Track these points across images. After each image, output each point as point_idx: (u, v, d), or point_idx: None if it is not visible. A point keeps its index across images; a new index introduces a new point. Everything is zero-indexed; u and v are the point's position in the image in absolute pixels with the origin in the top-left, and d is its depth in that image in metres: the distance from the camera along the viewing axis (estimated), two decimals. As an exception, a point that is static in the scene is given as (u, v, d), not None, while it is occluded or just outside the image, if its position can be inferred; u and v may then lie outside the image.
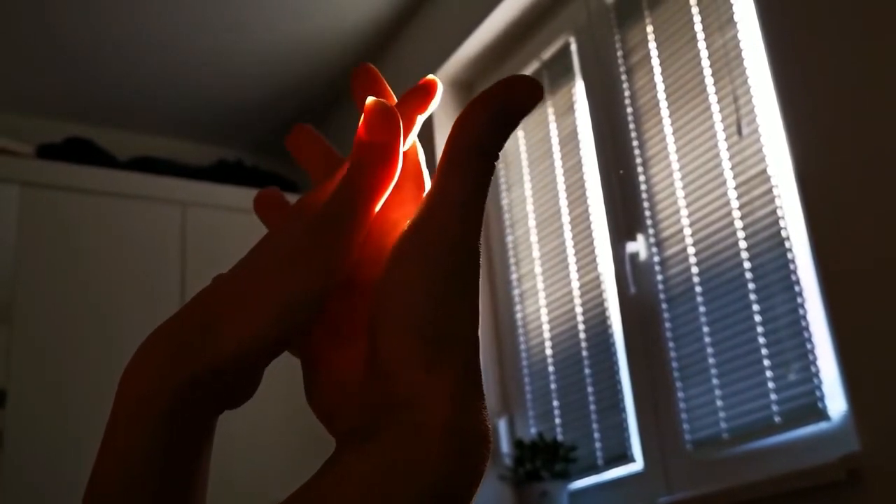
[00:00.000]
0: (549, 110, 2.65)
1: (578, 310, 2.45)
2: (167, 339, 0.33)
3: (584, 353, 2.42)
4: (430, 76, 0.37)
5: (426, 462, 0.30)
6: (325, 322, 0.35)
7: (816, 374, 1.81)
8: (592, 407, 2.37)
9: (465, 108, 0.33)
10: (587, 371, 2.40)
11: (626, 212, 2.32)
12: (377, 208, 0.34)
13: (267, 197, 0.39)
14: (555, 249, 2.57)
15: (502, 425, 2.60)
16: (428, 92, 0.36)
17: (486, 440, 0.31)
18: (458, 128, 0.33)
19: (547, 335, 2.56)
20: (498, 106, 0.33)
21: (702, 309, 2.07)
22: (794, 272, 1.87)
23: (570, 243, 2.52)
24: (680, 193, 2.17)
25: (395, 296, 0.32)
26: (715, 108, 2.09)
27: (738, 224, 2.00)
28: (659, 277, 2.20)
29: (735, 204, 2.01)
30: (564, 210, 2.54)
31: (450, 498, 0.30)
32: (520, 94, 0.33)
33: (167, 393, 0.32)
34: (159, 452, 0.32)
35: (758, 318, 1.94)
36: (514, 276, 2.72)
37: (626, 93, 2.36)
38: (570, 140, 2.56)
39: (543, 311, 2.58)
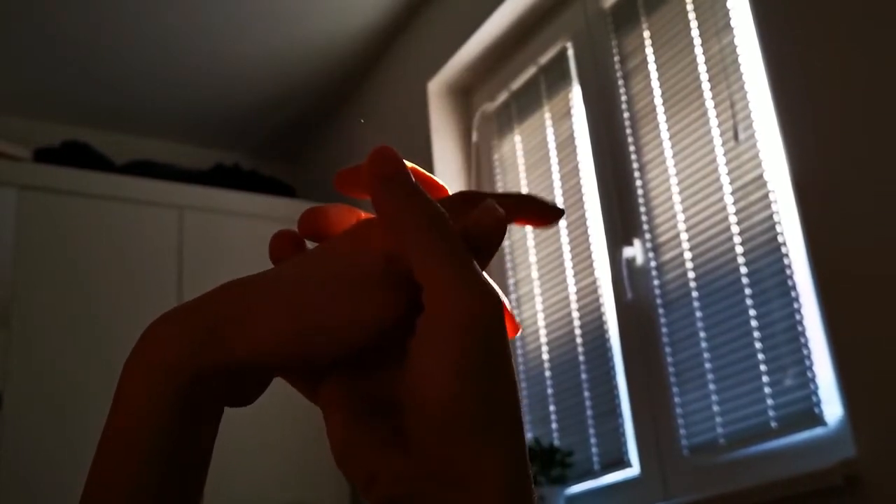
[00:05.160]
0: (546, 115, 2.65)
1: (575, 314, 2.45)
2: (197, 318, 0.33)
3: (581, 358, 2.42)
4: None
5: None
6: (367, 387, 0.35)
7: (813, 380, 1.81)
8: (589, 412, 2.37)
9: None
10: (584, 376, 2.40)
11: (623, 217, 2.32)
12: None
13: (281, 240, 0.38)
14: (551, 254, 2.57)
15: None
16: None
17: None
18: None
19: (543, 340, 2.56)
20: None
21: (698, 314, 2.07)
22: (791, 277, 1.87)
23: (566, 248, 2.52)
24: (676, 198, 2.17)
25: (427, 383, 0.31)
26: (711, 113, 2.09)
27: (735, 229, 2.00)
28: (655, 282, 2.20)
29: (731, 209, 2.02)
30: (561, 215, 2.54)
31: None
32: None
33: (188, 372, 0.32)
34: (177, 422, 0.32)
35: (754, 323, 1.94)
36: (510, 281, 2.72)
37: (623, 98, 2.36)
38: (566, 145, 2.56)
39: (540, 315, 2.58)
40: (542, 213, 0.38)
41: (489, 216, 0.35)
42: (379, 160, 0.34)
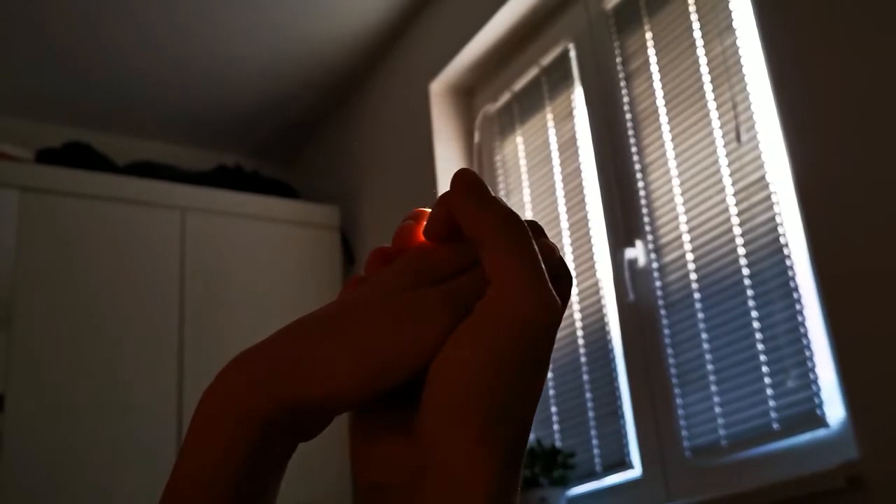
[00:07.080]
0: (548, 116, 2.65)
1: (577, 316, 2.45)
2: (262, 360, 0.33)
3: (583, 360, 2.42)
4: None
5: None
6: None
7: (815, 381, 1.80)
8: (591, 413, 2.37)
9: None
10: (586, 377, 2.40)
11: (625, 218, 2.32)
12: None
13: (378, 256, 0.39)
14: (553, 255, 2.57)
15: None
16: None
17: None
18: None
19: (545, 341, 2.55)
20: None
21: (700, 315, 2.07)
22: (793, 279, 1.87)
23: (568, 249, 2.51)
24: (679, 200, 2.17)
25: (464, 364, 0.32)
26: (714, 114, 2.09)
27: (737, 231, 2.00)
28: (657, 284, 2.20)
29: (734, 210, 2.01)
30: (563, 216, 2.54)
31: None
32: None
33: (257, 417, 0.32)
34: (248, 466, 0.32)
35: (756, 324, 1.93)
36: (512, 282, 2.72)
37: (625, 99, 2.36)
38: (568, 146, 2.56)
39: (542, 317, 2.57)
40: None
41: (553, 252, 0.36)
42: (463, 176, 0.38)
